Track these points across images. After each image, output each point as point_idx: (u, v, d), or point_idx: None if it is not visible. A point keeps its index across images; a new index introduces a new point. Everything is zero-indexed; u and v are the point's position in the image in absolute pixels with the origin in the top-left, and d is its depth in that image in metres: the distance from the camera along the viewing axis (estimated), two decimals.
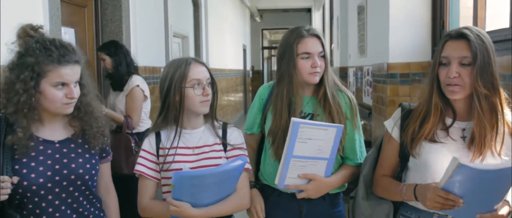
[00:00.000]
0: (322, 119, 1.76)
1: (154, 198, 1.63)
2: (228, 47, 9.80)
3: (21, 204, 1.42)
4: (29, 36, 1.43)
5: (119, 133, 2.99)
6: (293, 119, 1.59)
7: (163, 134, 1.66)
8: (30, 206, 1.42)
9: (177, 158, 1.61)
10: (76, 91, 1.44)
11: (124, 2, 3.55)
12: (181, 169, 1.57)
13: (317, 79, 1.76)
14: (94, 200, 1.56)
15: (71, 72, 1.42)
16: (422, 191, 1.41)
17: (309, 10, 14.72)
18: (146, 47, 4.17)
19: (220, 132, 1.68)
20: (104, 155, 1.62)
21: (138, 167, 1.62)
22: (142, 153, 1.65)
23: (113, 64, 3.06)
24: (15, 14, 2.30)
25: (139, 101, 3.06)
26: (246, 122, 1.95)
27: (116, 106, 3.08)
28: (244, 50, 13.13)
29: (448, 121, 1.48)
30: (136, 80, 3.05)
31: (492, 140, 1.42)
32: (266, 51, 18.67)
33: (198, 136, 1.66)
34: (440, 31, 3.15)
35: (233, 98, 10.41)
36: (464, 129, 1.48)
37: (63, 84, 1.41)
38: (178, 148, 1.62)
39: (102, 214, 1.60)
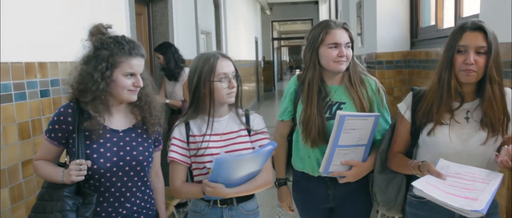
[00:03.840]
0: (350, 107, 1.82)
1: (185, 181, 1.73)
2: (242, 39, 10.31)
3: (88, 184, 1.54)
4: (101, 34, 1.54)
5: (179, 114, 3.91)
6: (338, 112, 1.67)
7: (192, 123, 1.72)
8: (97, 184, 1.54)
9: (209, 144, 1.69)
10: (141, 81, 1.56)
11: (169, 9, 4.37)
12: (214, 154, 1.66)
13: (343, 67, 1.79)
14: (147, 183, 1.68)
15: (139, 64, 1.54)
16: (422, 169, 1.57)
17: (316, 3, 14.86)
18: (184, 43, 4.95)
19: (243, 119, 1.76)
20: (156, 144, 1.72)
21: (171, 154, 1.70)
22: (173, 141, 1.71)
23: (164, 61, 3.95)
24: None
25: None
26: (279, 111, 1.99)
27: (176, 93, 3.99)
28: (256, 42, 13.46)
29: (455, 104, 1.56)
30: None
31: (502, 121, 1.52)
32: (276, 42, 19.04)
33: (224, 123, 1.73)
34: (415, 27, 3.89)
35: (247, 88, 10.81)
36: (468, 111, 1.57)
37: (132, 74, 1.53)
38: (209, 135, 1.69)
39: (151, 194, 1.72)
